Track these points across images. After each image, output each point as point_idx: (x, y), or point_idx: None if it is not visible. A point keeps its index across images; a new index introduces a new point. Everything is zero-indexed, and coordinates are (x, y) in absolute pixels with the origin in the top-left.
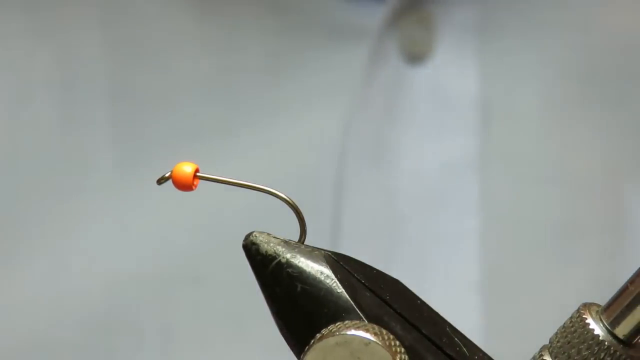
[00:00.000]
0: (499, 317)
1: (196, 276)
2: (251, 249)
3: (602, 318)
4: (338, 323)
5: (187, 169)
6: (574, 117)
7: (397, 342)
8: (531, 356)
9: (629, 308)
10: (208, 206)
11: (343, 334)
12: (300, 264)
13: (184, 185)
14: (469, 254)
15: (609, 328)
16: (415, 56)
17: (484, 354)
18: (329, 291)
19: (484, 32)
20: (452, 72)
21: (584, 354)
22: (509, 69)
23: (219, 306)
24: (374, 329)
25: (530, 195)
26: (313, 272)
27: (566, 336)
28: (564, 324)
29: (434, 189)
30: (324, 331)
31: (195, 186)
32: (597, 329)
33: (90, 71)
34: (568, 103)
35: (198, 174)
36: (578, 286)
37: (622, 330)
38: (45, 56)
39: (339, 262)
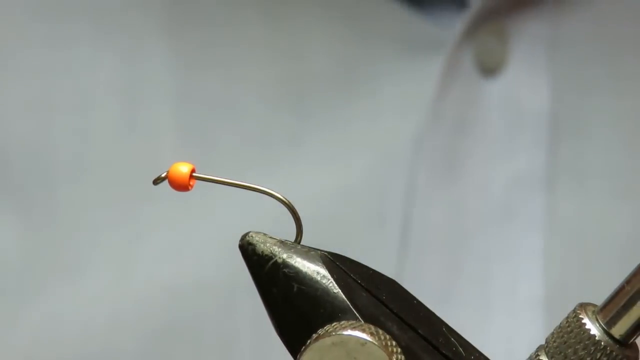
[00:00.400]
0: None
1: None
2: (247, 249)
3: (598, 318)
4: (334, 323)
5: (183, 169)
6: None
7: (394, 342)
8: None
9: (625, 308)
10: (273, 212)
11: (339, 334)
12: (296, 264)
13: (180, 186)
14: (533, 270)
15: (605, 328)
16: (489, 69)
17: (480, 354)
18: (325, 291)
19: (556, 45)
20: (524, 86)
21: (580, 354)
22: (581, 82)
23: None
24: (370, 329)
25: (598, 211)
26: (309, 272)
27: (562, 336)
28: (561, 323)
29: (501, 204)
30: (321, 331)
31: (192, 187)
32: (593, 328)
33: (155, 77)
34: (639, 117)
35: (194, 174)
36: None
37: (618, 330)
38: (110, 62)
39: (335, 262)
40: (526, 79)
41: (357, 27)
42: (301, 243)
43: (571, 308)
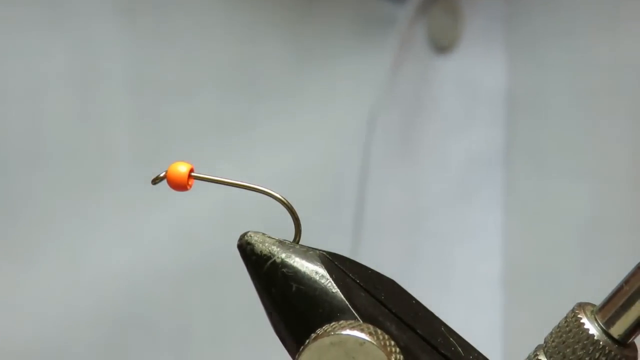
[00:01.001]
0: (520, 312)
1: (213, 272)
2: (246, 249)
3: (597, 318)
4: (333, 323)
5: (181, 168)
6: (604, 108)
7: (392, 342)
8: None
9: (624, 308)
10: (225, 201)
11: (338, 334)
12: (295, 264)
13: (179, 185)
14: (492, 249)
15: (604, 328)
16: (443, 46)
17: (479, 353)
18: (324, 291)
19: (512, 21)
20: (479, 63)
21: (578, 353)
22: (537, 59)
23: (236, 303)
24: (368, 328)
25: (556, 189)
26: (308, 272)
27: (561, 336)
28: (559, 323)
29: (459, 182)
30: (319, 331)
31: (190, 186)
32: (592, 328)
33: (109, 62)
34: (597, 94)
35: (193, 173)
36: (603, 284)
37: (617, 330)
38: (62, 46)
39: (334, 262)
40: (481, 56)
41: (309, 6)
42: (299, 242)
43: (530, 286)
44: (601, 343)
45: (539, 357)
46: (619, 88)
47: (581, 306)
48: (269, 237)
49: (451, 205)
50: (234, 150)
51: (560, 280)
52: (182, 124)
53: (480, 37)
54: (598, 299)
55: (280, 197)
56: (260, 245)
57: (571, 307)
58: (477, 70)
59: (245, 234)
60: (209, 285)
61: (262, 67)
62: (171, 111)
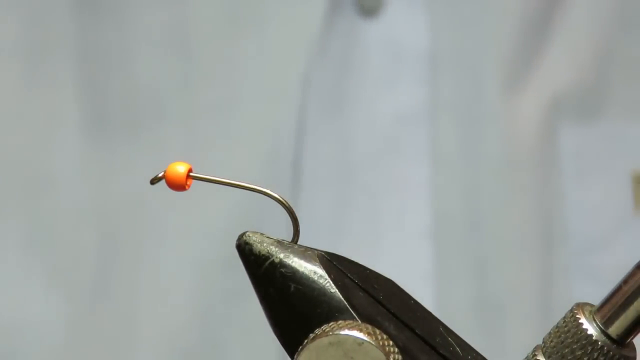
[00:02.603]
0: (450, 262)
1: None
2: (244, 249)
3: (595, 318)
4: (331, 323)
5: (180, 168)
6: (520, 65)
7: (391, 342)
8: (525, 354)
9: (623, 308)
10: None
11: (336, 334)
12: (293, 264)
13: (177, 186)
14: (420, 203)
15: (603, 328)
16: (369, 9)
17: (477, 353)
18: (322, 291)
19: None
20: (403, 25)
21: (577, 354)
22: (459, 20)
23: None
24: (367, 328)
25: (477, 143)
26: (306, 272)
27: (559, 336)
28: (558, 323)
29: (387, 138)
30: (317, 331)
31: (189, 186)
32: (590, 328)
33: (52, 31)
34: (516, 51)
35: (191, 173)
36: (520, 222)
37: (615, 330)
38: (11, 19)
39: (333, 262)
40: (405, 18)
41: None
42: (298, 242)
43: (457, 239)
44: (600, 343)
45: (538, 358)
46: (538, 44)
47: (580, 306)
48: (267, 237)
49: (380, 160)
50: (170, 114)
51: (485, 225)
52: (122, 89)
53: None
54: (517, 238)
55: (278, 197)
56: (259, 245)
57: (498, 250)
58: (401, 32)
59: (243, 234)
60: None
61: (196, 30)
62: (112, 76)
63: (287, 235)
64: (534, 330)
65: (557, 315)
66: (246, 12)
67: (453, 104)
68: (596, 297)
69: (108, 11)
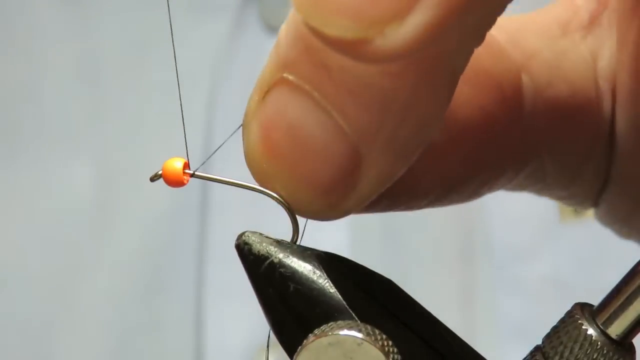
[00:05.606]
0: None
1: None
2: (244, 249)
3: (595, 318)
4: (330, 323)
5: (177, 164)
6: None
7: (390, 342)
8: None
9: (622, 308)
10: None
11: (335, 334)
12: (292, 264)
13: (175, 182)
14: None
15: (602, 328)
16: (275, 26)
17: (477, 353)
18: (322, 291)
19: None
20: None
21: (576, 354)
22: None
23: None
24: (366, 328)
25: None
26: (305, 272)
27: (559, 337)
28: (557, 324)
29: None
30: (317, 331)
31: (187, 181)
32: (590, 329)
33: None
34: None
35: (196, 173)
36: (439, 235)
37: (615, 330)
38: None
39: (332, 262)
40: None
41: None
42: (298, 243)
43: (374, 253)
44: (599, 343)
45: (537, 358)
46: None
47: (579, 306)
48: (266, 237)
49: None
50: (83, 143)
51: (401, 238)
52: (30, 123)
53: None
54: (441, 252)
55: (278, 197)
56: (258, 245)
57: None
58: None
59: (243, 233)
60: None
61: (104, 60)
62: (20, 111)
63: (287, 236)
64: None
65: (481, 329)
66: (153, 38)
67: None
68: (522, 309)
69: (18, 44)
